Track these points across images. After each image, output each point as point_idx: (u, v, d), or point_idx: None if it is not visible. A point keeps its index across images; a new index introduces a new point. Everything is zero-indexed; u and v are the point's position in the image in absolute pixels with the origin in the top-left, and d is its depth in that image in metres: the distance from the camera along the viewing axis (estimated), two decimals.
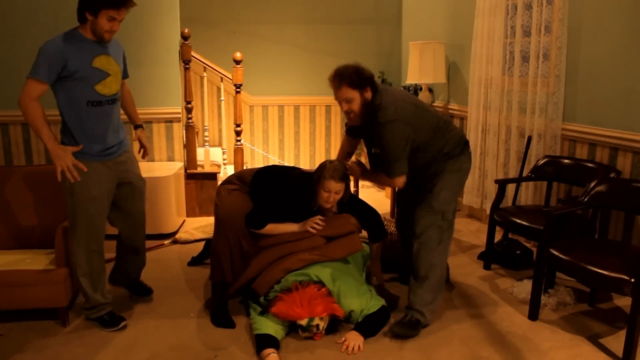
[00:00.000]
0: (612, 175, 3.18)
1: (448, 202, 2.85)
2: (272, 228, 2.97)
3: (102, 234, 2.84)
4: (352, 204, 3.12)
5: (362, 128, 2.89)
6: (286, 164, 6.15)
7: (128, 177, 2.91)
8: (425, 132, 2.80)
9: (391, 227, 3.61)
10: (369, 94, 2.71)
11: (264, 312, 2.76)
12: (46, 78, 2.57)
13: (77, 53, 2.61)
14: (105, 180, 2.78)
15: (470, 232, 4.45)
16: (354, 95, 2.68)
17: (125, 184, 2.90)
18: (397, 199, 3.38)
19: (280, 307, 2.67)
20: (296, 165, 6.06)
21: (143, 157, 3.18)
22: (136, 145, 3.20)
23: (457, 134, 2.92)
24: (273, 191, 3.03)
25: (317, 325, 2.69)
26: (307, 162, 6.29)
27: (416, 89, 5.49)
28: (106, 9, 2.57)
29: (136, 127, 3.13)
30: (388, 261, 3.46)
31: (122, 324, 2.86)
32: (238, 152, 4.85)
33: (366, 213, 3.10)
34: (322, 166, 2.94)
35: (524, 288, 3.20)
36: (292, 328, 2.76)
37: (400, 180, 2.80)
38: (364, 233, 3.11)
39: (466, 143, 2.94)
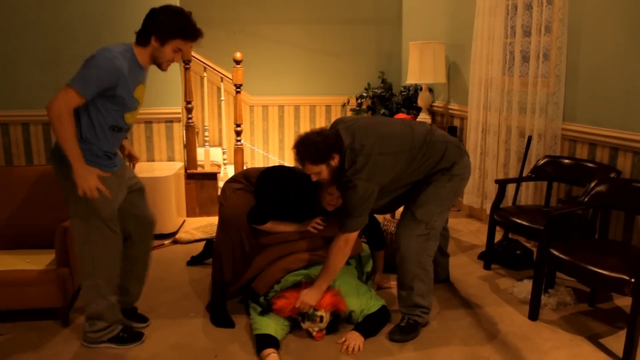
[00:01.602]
0: (612, 175, 3.18)
1: (431, 213, 2.72)
2: (273, 226, 2.97)
3: (122, 241, 2.66)
4: None
5: None
6: (286, 164, 6.14)
7: (136, 183, 2.78)
8: (395, 174, 2.66)
9: (391, 227, 3.61)
10: (335, 161, 2.58)
11: (264, 312, 2.75)
12: (90, 96, 2.31)
13: (128, 78, 2.38)
14: (122, 188, 2.63)
15: (470, 232, 4.45)
16: (320, 169, 2.59)
17: (135, 190, 2.75)
18: None
19: (285, 302, 2.66)
20: (297, 166, 6.05)
21: (133, 167, 2.91)
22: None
23: (435, 159, 2.70)
24: (278, 190, 3.03)
25: (321, 317, 2.68)
26: None
27: (416, 89, 5.50)
28: (177, 40, 2.39)
29: None
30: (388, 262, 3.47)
31: (142, 338, 2.75)
32: (238, 152, 4.86)
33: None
34: None
35: (524, 288, 3.20)
36: (293, 328, 2.76)
37: (353, 237, 2.64)
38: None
39: (455, 163, 2.72)
